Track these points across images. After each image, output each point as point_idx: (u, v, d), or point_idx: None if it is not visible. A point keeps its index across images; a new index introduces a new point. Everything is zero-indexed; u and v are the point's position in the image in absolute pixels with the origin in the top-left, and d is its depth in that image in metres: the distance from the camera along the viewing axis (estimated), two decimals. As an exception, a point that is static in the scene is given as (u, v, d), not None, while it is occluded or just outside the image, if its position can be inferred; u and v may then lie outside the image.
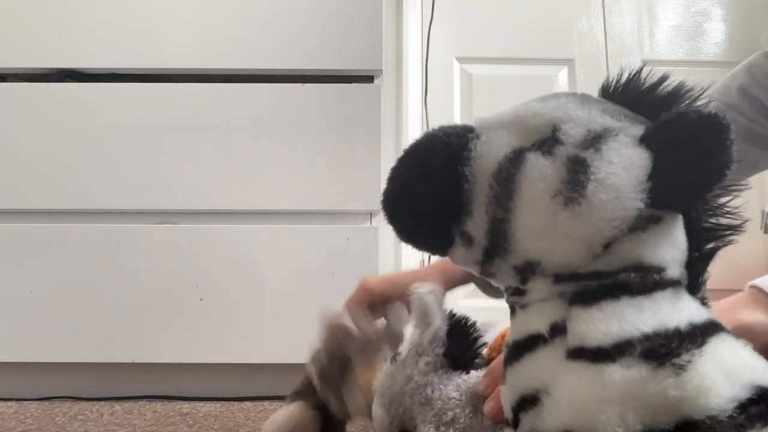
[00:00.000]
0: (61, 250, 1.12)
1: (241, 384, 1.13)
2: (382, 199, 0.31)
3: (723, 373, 0.24)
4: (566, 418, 0.24)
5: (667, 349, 0.24)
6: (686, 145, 0.27)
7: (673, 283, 0.28)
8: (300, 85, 1.17)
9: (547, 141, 0.28)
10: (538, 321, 0.28)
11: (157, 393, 1.12)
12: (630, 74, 0.31)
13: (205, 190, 1.14)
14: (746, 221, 0.30)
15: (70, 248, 1.13)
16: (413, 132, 1.64)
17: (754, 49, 0.81)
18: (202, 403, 1.08)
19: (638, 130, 0.29)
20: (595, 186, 0.26)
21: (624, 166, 0.27)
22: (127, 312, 1.11)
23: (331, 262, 1.12)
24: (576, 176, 0.26)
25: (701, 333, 0.26)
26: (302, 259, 1.12)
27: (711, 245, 0.30)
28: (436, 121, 0.42)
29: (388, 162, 0.56)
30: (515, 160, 0.28)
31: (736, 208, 0.30)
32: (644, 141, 0.28)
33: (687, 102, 0.30)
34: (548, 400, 0.26)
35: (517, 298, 0.31)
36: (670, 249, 0.28)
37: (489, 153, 0.28)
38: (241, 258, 1.13)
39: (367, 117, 1.16)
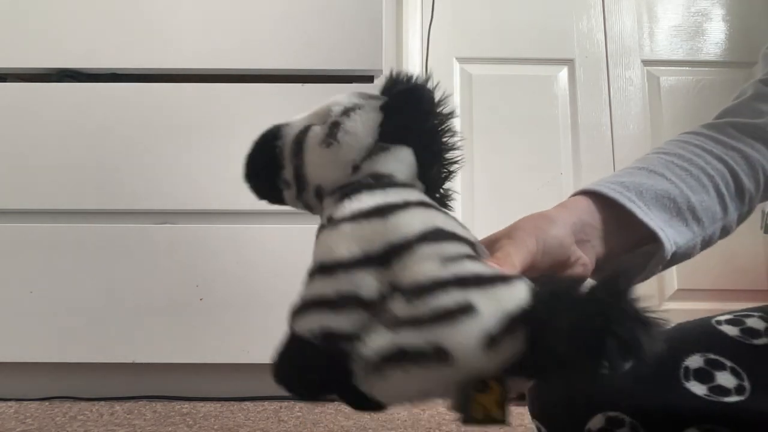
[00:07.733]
0: (61, 250, 1.13)
1: (241, 384, 1.13)
2: (243, 171, 0.49)
3: (418, 220, 0.40)
4: (318, 256, 0.43)
5: (382, 209, 0.41)
6: (401, 110, 0.44)
7: (403, 184, 0.44)
8: (300, 85, 1.17)
9: (324, 116, 0.46)
10: (324, 217, 0.45)
11: (157, 393, 1.12)
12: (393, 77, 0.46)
13: (205, 190, 1.14)
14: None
15: (70, 248, 1.13)
16: (413, 132, 1.64)
17: (754, 49, 0.79)
18: (202, 403, 1.08)
19: (378, 103, 0.45)
20: (343, 134, 0.44)
21: (362, 121, 0.44)
22: (127, 312, 1.11)
23: (331, 262, 1.12)
24: (333, 130, 0.44)
25: (410, 204, 0.42)
26: (302, 259, 1.11)
27: (436, 169, 0.46)
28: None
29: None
30: (305, 131, 0.46)
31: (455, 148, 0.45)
32: (381, 108, 0.45)
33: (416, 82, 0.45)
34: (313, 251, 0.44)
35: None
36: (396, 164, 0.44)
37: (291, 131, 0.47)
38: (241, 258, 1.13)
39: (367, 117, 1.16)
